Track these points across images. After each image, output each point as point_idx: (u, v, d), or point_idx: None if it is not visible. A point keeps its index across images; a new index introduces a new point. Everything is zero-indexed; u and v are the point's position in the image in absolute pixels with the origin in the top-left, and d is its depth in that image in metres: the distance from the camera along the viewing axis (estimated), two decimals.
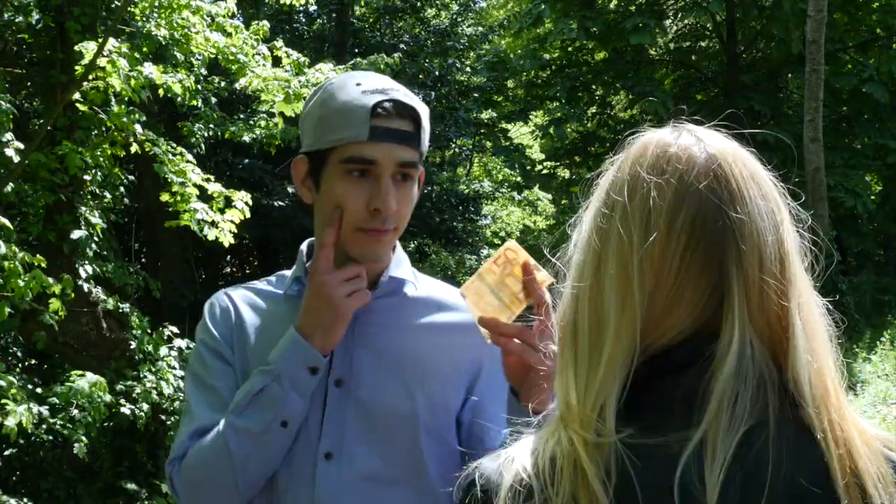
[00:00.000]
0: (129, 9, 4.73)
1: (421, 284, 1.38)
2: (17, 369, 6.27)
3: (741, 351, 0.75)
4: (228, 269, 12.09)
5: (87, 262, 5.00)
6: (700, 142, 0.81)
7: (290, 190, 10.21)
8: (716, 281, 0.77)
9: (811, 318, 0.80)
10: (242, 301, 1.38)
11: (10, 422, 3.63)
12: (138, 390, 4.85)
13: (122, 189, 5.57)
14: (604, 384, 0.76)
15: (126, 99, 4.47)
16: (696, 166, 0.79)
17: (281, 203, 9.98)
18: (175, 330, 5.37)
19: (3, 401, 3.74)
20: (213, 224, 4.67)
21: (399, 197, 1.22)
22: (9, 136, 4.07)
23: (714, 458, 0.72)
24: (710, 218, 0.77)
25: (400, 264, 1.35)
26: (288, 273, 1.41)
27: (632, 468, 0.73)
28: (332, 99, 1.22)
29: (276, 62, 5.13)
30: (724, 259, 0.77)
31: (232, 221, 4.72)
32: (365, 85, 1.22)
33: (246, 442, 1.21)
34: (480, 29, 16.76)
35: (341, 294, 1.21)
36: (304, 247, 1.39)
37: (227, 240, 4.67)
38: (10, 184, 4.31)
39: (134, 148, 4.84)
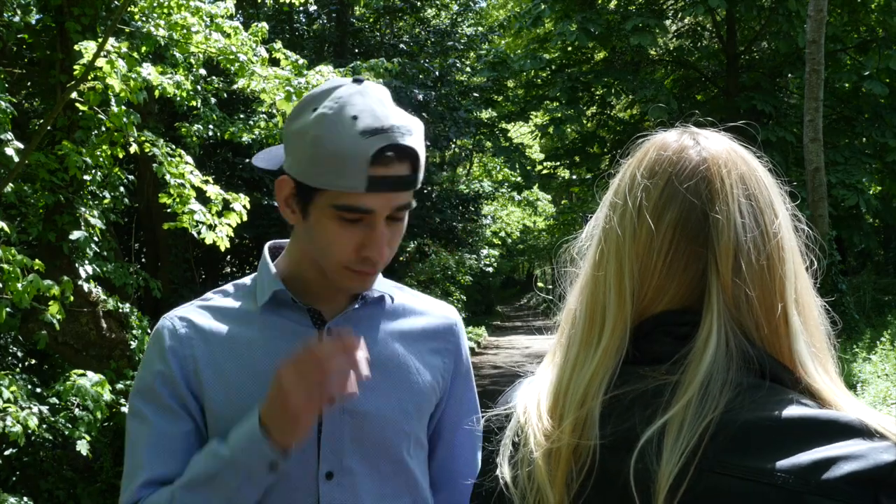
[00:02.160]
0: (128, 9, 4.72)
1: (398, 296, 1.34)
2: (17, 369, 6.27)
3: (717, 345, 0.76)
4: (228, 269, 12.09)
5: (87, 262, 5.00)
6: (697, 145, 0.85)
7: None
8: (699, 277, 0.81)
9: (810, 318, 0.82)
10: (205, 326, 1.23)
11: (17, 428, 3.62)
12: None
13: (122, 189, 5.56)
14: (597, 371, 0.81)
15: (125, 100, 4.47)
16: (684, 169, 0.83)
17: None
18: None
19: (6, 405, 3.73)
20: (211, 227, 4.66)
21: (390, 238, 1.17)
22: (9, 135, 4.07)
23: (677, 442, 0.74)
24: (692, 217, 0.81)
25: (379, 278, 1.31)
26: (247, 281, 1.30)
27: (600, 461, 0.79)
28: (327, 139, 1.10)
29: (275, 64, 5.12)
30: (705, 256, 0.80)
31: (229, 225, 4.71)
32: (362, 121, 1.10)
33: None
34: (480, 29, 16.79)
35: (298, 400, 1.06)
36: (267, 251, 1.28)
37: (224, 243, 4.66)
38: (10, 184, 4.30)
39: (133, 149, 4.84)
